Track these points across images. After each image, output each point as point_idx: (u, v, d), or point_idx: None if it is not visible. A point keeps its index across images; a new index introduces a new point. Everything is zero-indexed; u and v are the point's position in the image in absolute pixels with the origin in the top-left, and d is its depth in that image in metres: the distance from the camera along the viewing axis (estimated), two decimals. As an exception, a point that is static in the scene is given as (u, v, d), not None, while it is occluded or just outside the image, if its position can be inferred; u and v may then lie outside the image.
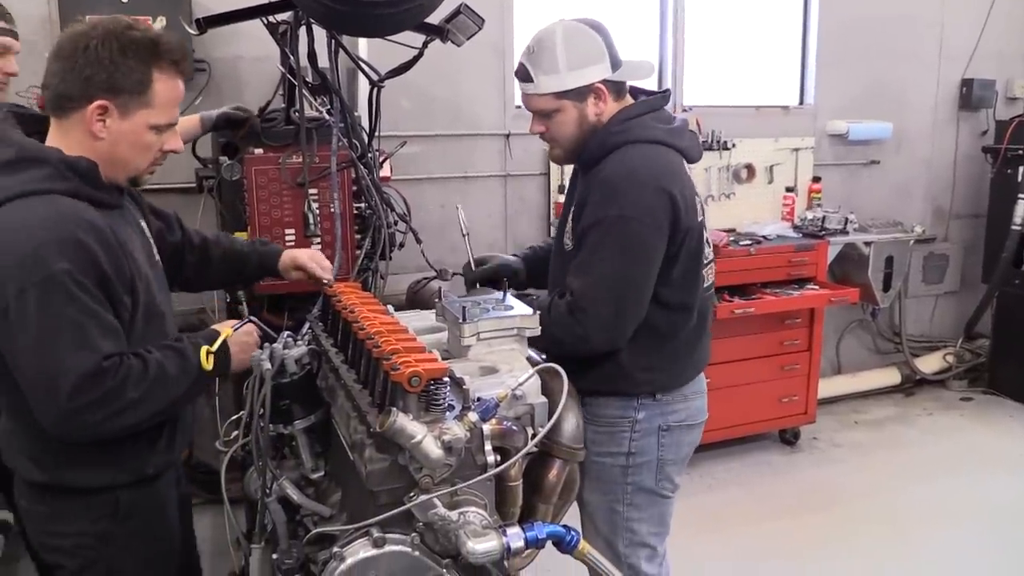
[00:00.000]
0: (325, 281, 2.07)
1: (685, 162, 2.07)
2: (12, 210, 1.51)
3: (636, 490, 2.11)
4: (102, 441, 1.60)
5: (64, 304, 1.48)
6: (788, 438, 4.55)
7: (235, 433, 1.93)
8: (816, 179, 4.86)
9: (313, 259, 2.11)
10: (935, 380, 5.38)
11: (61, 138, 1.61)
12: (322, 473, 1.76)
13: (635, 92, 2.14)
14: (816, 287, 4.37)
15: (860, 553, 3.43)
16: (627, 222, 1.90)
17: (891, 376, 5.28)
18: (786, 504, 3.89)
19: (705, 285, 2.12)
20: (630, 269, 1.94)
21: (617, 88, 2.05)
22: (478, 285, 2.30)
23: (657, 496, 2.14)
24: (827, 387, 4.87)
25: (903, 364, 5.31)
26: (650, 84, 2.24)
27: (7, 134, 1.62)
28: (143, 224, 1.82)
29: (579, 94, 1.99)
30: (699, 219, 2.04)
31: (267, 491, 1.68)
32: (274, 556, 1.61)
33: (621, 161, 1.96)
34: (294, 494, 1.71)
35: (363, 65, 2.64)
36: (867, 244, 4.69)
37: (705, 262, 2.11)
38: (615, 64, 2.01)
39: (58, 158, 1.56)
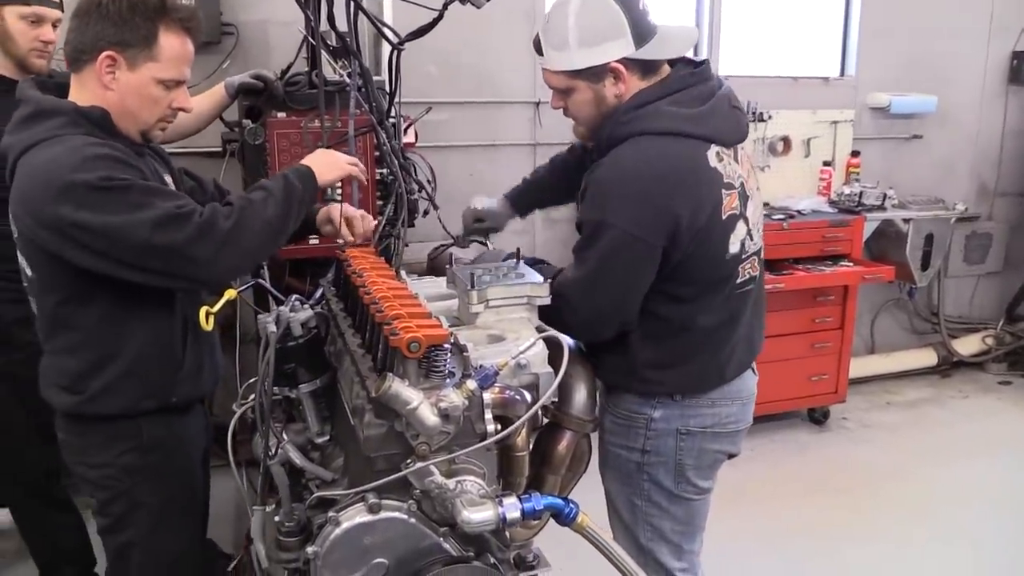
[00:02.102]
0: (341, 242, 2.05)
1: (719, 147, 1.82)
2: (36, 153, 1.63)
3: (654, 487, 1.98)
4: (129, 365, 1.74)
5: (118, 198, 1.56)
6: (817, 417, 4.48)
7: (252, 395, 1.94)
8: (855, 153, 4.72)
9: (344, 215, 2.03)
10: (973, 362, 5.24)
11: (78, 92, 1.73)
12: (327, 438, 1.75)
13: (674, 62, 1.88)
14: (850, 264, 4.27)
15: (884, 533, 3.38)
16: (609, 229, 1.75)
17: (927, 357, 5.16)
18: (812, 483, 3.83)
19: (738, 281, 1.90)
20: (606, 276, 1.79)
21: (644, 66, 1.81)
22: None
23: (678, 498, 1.99)
24: (859, 366, 4.78)
25: (940, 345, 5.18)
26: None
27: (26, 94, 1.75)
28: (167, 179, 1.89)
29: (593, 75, 1.79)
30: (725, 216, 1.80)
31: (271, 454, 1.69)
32: (276, 519, 1.62)
33: (617, 160, 1.78)
34: (296, 457, 1.70)
35: (383, 28, 2.61)
36: (905, 221, 4.56)
37: (743, 256, 1.88)
38: (641, 37, 1.76)
39: (72, 108, 1.68)
